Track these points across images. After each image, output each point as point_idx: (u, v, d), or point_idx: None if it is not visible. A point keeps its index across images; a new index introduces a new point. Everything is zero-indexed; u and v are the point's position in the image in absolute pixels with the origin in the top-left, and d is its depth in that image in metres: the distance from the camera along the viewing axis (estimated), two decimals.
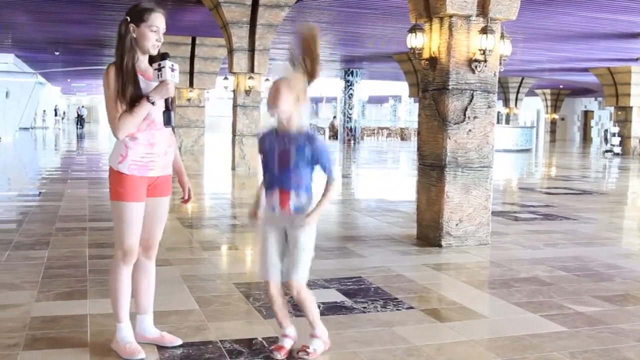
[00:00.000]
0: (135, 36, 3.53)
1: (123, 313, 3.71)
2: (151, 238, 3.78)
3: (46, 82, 42.68)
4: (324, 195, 3.65)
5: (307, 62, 3.60)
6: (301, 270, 3.65)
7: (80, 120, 54.22)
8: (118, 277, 3.68)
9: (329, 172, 3.66)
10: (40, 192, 11.23)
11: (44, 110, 53.02)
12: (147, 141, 3.56)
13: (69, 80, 46.18)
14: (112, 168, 3.59)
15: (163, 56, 3.54)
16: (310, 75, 3.62)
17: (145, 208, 3.66)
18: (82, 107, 58.53)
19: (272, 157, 3.67)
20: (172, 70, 3.53)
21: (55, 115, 56.41)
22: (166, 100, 3.57)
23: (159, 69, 3.51)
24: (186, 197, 3.91)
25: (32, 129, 48.43)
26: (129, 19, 3.53)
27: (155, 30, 3.54)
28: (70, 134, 42.88)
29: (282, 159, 3.62)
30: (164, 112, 3.56)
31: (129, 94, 3.47)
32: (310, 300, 3.76)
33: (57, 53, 27.32)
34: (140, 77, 3.56)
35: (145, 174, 3.58)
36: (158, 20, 3.55)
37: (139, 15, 3.53)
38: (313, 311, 3.78)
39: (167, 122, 3.58)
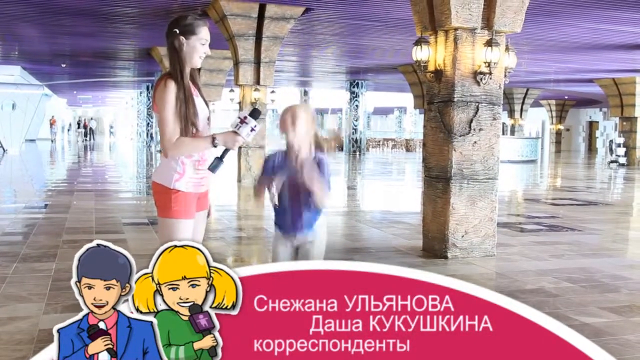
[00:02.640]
0: (185, 50, 3.49)
1: None
2: None
3: (52, 94, 42.83)
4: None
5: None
6: None
7: (87, 133, 54.52)
8: None
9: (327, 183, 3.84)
10: (46, 205, 11.27)
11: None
12: (200, 157, 3.53)
13: (75, 92, 46.36)
14: (163, 185, 3.49)
15: (254, 113, 3.48)
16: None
17: None
18: (92, 119, 58.83)
19: (283, 185, 3.80)
20: (252, 130, 3.46)
21: (78, 127, 56.53)
22: (225, 150, 3.52)
23: (242, 122, 3.45)
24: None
25: (53, 141, 48.74)
26: (178, 32, 3.48)
27: (204, 44, 3.52)
28: (78, 146, 43.01)
29: (293, 183, 3.73)
30: (216, 158, 3.49)
31: (190, 114, 3.44)
32: None
33: (64, 65, 27.44)
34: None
35: (198, 190, 3.57)
36: (207, 33, 3.54)
37: (189, 29, 3.48)
38: None
39: (214, 169, 3.50)
